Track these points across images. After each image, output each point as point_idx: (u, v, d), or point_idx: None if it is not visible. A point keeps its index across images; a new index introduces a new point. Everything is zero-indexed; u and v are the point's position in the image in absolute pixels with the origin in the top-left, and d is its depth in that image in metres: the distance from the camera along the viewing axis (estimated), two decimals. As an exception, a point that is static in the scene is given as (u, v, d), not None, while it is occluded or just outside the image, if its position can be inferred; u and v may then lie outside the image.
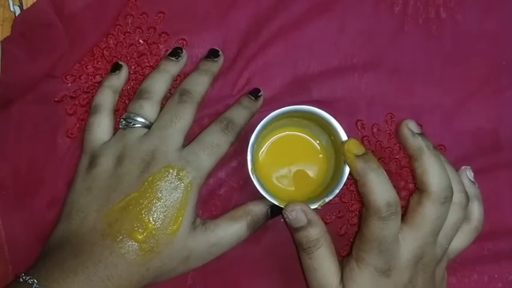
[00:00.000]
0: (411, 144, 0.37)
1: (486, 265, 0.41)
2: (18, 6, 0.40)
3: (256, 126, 0.36)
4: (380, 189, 0.34)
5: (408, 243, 0.35)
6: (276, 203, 0.36)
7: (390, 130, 0.41)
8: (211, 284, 0.39)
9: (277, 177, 0.39)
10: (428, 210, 0.35)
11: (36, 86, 0.40)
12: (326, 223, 0.40)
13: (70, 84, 0.40)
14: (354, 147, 0.36)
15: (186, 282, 0.39)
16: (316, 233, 0.35)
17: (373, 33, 0.42)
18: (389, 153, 0.40)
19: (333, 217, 0.40)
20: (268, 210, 0.37)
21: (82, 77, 0.40)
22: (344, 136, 0.37)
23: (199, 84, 0.38)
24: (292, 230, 0.36)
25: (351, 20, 0.42)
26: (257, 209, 0.37)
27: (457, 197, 0.36)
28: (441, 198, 0.35)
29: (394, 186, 0.40)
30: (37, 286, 0.31)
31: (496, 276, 0.41)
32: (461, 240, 0.38)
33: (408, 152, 0.37)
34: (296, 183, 0.39)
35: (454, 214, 0.36)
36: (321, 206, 0.36)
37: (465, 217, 0.37)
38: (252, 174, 0.36)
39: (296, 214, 0.35)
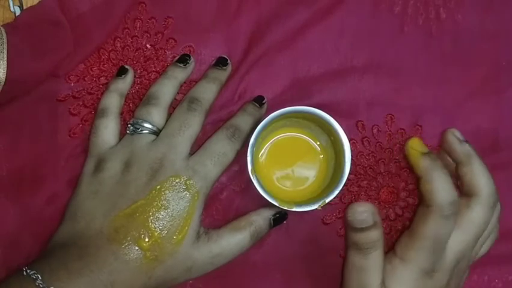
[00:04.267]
0: (460, 151, 0.37)
1: (486, 266, 0.41)
2: (19, 6, 0.41)
3: (256, 127, 0.36)
4: (445, 187, 0.34)
5: (453, 245, 0.35)
6: (276, 204, 0.36)
7: (390, 131, 0.41)
8: (212, 286, 0.39)
9: (278, 178, 0.39)
10: (476, 214, 0.35)
11: (39, 83, 0.40)
12: (326, 224, 0.40)
13: (72, 84, 0.40)
14: (419, 145, 0.37)
15: (187, 282, 0.39)
16: (377, 235, 0.35)
17: (373, 34, 0.42)
18: (389, 154, 0.40)
19: (333, 218, 0.40)
20: (271, 219, 0.37)
21: (86, 78, 0.40)
22: (343, 136, 0.37)
23: (208, 92, 0.38)
24: (353, 230, 0.35)
25: (351, 21, 0.42)
26: (260, 219, 0.37)
27: (498, 205, 0.37)
28: (491, 203, 0.35)
29: (394, 187, 0.40)
30: (40, 282, 0.31)
31: (496, 276, 0.41)
32: (485, 246, 0.38)
33: (457, 159, 0.37)
34: (296, 183, 0.39)
35: (493, 221, 0.37)
36: (321, 207, 0.36)
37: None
38: (252, 175, 0.36)
39: (367, 216, 0.35)
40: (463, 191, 0.37)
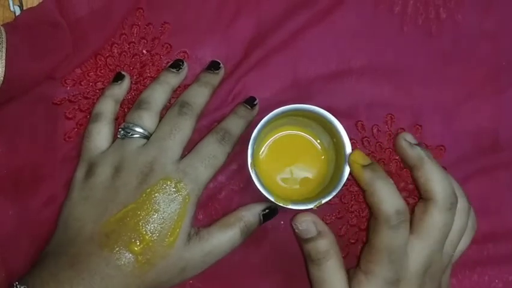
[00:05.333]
0: (411, 155, 0.36)
1: (486, 266, 0.41)
2: (18, 6, 0.41)
3: (258, 123, 0.36)
4: (389, 197, 0.34)
5: (417, 253, 0.34)
6: (272, 199, 0.36)
7: (390, 131, 0.41)
8: (211, 287, 0.39)
9: (276, 175, 0.39)
10: (435, 219, 0.34)
11: (37, 84, 0.40)
12: (325, 224, 0.40)
13: (69, 88, 0.40)
14: (360, 158, 0.36)
15: (187, 282, 0.39)
16: (326, 244, 0.35)
17: (373, 34, 0.42)
18: (389, 154, 0.40)
19: (333, 218, 0.40)
20: (261, 214, 0.37)
21: (82, 83, 0.40)
22: (345, 137, 0.37)
23: (199, 96, 0.38)
24: (302, 241, 0.36)
25: (351, 22, 0.42)
26: (249, 214, 0.37)
27: (461, 203, 0.36)
28: (448, 205, 0.34)
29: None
30: None
31: (496, 276, 0.41)
32: (463, 243, 0.37)
33: (409, 163, 0.37)
34: (295, 182, 0.39)
35: (458, 221, 0.36)
36: (317, 207, 0.36)
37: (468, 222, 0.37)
38: (251, 168, 0.36)
39: (307, 225, 0.35)
40: (420, 195, 0.36)
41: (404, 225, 0.34)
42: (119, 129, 0.38)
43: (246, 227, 0.37)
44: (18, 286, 0.32)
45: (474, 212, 0.38)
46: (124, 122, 0.38)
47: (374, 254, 0.34)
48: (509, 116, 0.42)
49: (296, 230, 0.36)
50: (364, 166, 0.35)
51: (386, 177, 0.35)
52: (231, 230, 0.36)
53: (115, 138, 0.38)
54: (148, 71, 0.41)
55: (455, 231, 0.36)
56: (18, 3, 0.41)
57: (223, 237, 0.36)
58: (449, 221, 0.35)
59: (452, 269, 0.40)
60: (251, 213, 0.37)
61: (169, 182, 0.35)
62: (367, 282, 0.34)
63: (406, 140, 0.37)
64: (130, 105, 0.40)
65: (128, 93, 0.40)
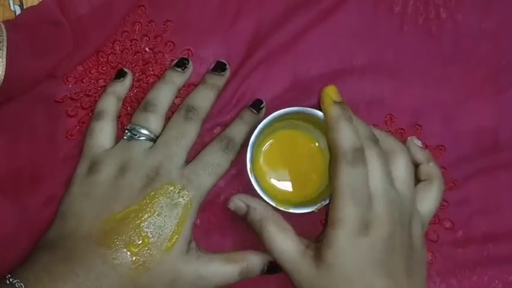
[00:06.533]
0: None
1: (486, 266, 0.40)
2: (19, 5, 0.41)
3: (257, 127, 0.36)
4: (350, 135, 0.33)
5: (374, 187, 0.33)
6: (273, 204, 0.36)
7: (389, 131, 0.41)
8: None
9: (276, 179, 0.39)
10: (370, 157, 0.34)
11: (37, 83, 0.40)
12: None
13: (70, 86, 0.40)
14: (334, 93, 0.35)
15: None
16: (257, 214, 0.36)
17: (373, 34, 0.42)
18: (388, 153, 0.40)
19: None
20: (266, 265, 0.37)
21: (84, 80, 0.40)
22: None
23: (205, 99, 0.38)
24: (243, 220, 0.37)
25: (352, 22, 0.42)
26: (255, 259, 0.37)
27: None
28: (353, 157, 0.33)
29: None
30: None
31: (496, 277, 0.41)
32: (428, 202, 0.36)
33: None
34: (294, 185, 0.39)
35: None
36: (318, 210, 0.36)
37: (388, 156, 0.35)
38: (251, 173, 0.36)
39: (235, 204, 0.37)
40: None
41: (362, 166, 0.33)
42: (126, 130, 0.38)
43: (247, 270, 0.36)
44: (11, 280, 0.32)
45: (440, 172, 0.37)
46: (127, 120, 0.38)
47: (337, 198, 0.33)
48: (509, 116, 0.42)
49: (232, 211, 0.37)
50: (335, 102, 0.35)
51: (352, 117, 0.35)
52: (231, 266, 0.36)
53: (116, 136, 0.39)
54: (151, 68, 0.41)
55: (405, 172, 0.35)
56: (19, 3, 0.41)
57: (221, 270, 0.36)
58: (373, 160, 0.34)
59: (451, 270, 0.40)
60: (257, 259, 0.37)
61: (172, 187, 0.35)
62: (332, 232, 0.33)
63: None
64: (132, 103, 0.40)
65: (130, 90, 0.40)
